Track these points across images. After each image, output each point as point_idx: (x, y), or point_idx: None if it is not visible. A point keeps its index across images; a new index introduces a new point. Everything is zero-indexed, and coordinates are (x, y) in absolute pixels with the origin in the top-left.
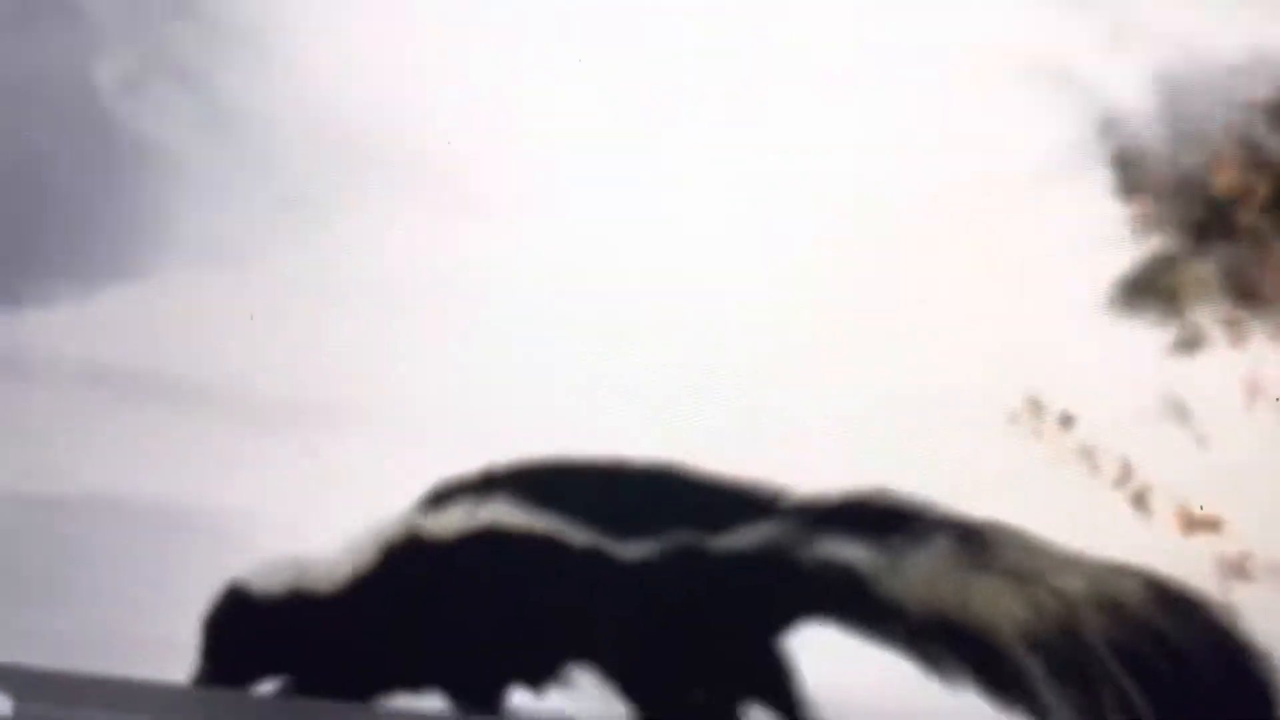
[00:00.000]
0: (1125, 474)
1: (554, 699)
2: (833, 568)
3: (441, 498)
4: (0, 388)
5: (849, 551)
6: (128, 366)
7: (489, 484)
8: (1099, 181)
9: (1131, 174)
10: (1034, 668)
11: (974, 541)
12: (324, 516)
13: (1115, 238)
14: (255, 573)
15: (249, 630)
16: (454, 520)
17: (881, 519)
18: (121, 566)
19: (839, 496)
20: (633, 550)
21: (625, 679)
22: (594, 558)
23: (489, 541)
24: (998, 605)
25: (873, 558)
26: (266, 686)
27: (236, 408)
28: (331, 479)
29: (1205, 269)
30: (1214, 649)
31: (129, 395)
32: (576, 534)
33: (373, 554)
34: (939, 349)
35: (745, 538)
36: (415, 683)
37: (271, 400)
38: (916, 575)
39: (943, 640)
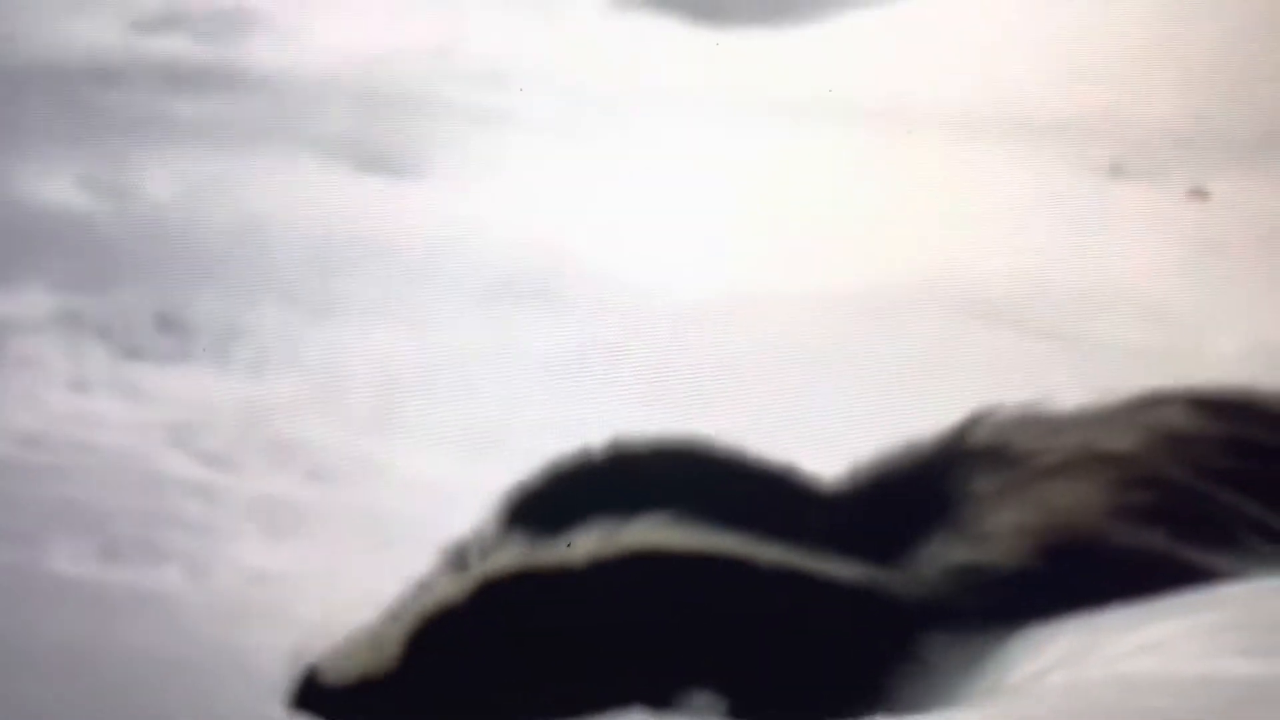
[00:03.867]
0: None
1: None
2: (944, 570)
3: (540, 515)
4: None
5: (946, 553)
6: None
7: (617, 496)
8: None
9: None
10: (1153, 540)
11: (996, 459)
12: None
13: None
14: (330, 657)
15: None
16: (587, 545)
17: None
18: None
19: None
20: (843, 570)
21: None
22: (793, 579)
23: (639, 566)
24: (1081, 502)
25: (962, 547)
26: None
27: None
28: None
29: None
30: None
31: None
32: (768, 552)
33: (459, 589)
34: None
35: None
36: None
37: None
38: (1003, 534)
39: (1055, 574)
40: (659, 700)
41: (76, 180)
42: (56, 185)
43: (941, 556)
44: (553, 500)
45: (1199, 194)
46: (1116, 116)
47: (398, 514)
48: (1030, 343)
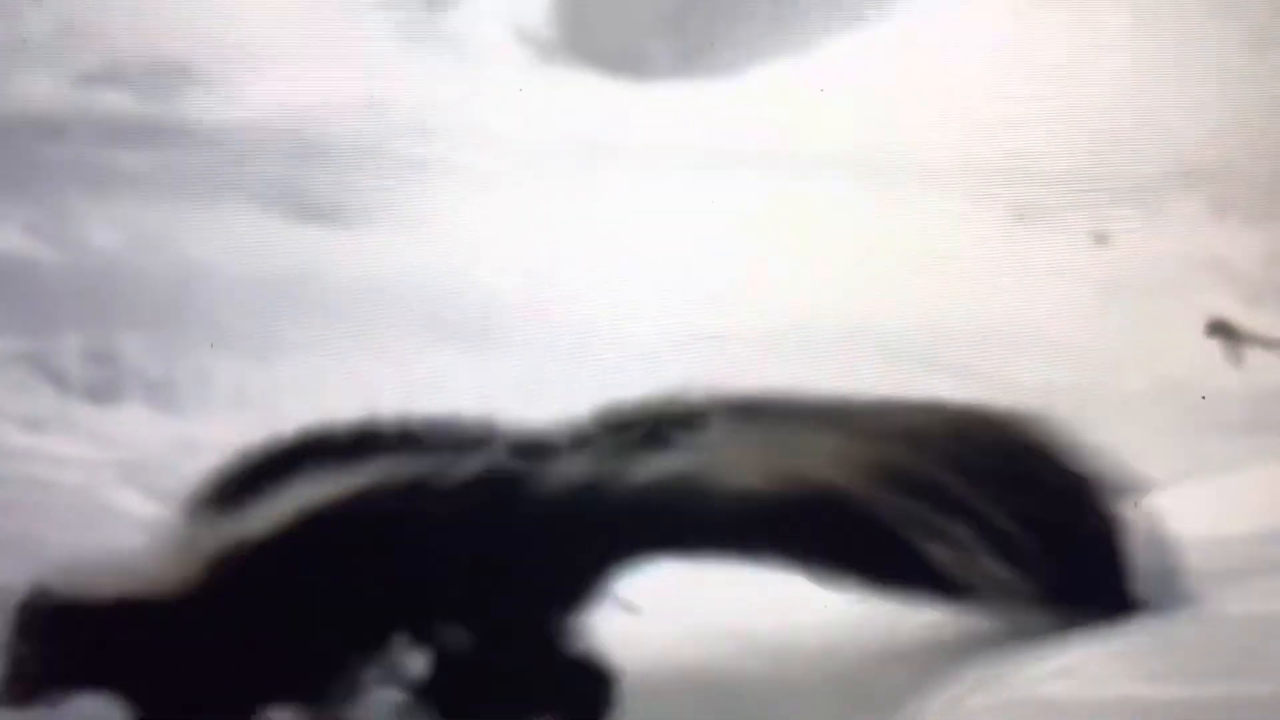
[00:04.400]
0: None
1: None
2: (653, 487)
3: (230, 494)
4: None
5: (663, 463)
6: None
7: (269, 465)
8: None
9: None
10: (891, 511)
11: (748, 410)
12: None
13: None
14: (63, 574)
15: (64, 638)
16: (268, 514)
17: (664, 423)
18: None
19: (609, 415)
20: (462, 468)
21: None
22: (420, 489)
23: (308, 525)
24: (825, 458)
25: (685, 459)
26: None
27: None
28: None
29: None
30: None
31: None
32: (398, 471)
33: (197, 566)
34: None
35: (562, 470)
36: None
37: None
38: (733, 459)
39: (801, 518)
40: (421, 635)
41: (23, 229)
42: (3, 234)
43: (657, 466)
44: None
45: (1100, 237)
46: (1019, 161)
47: None
48: (940, 380)
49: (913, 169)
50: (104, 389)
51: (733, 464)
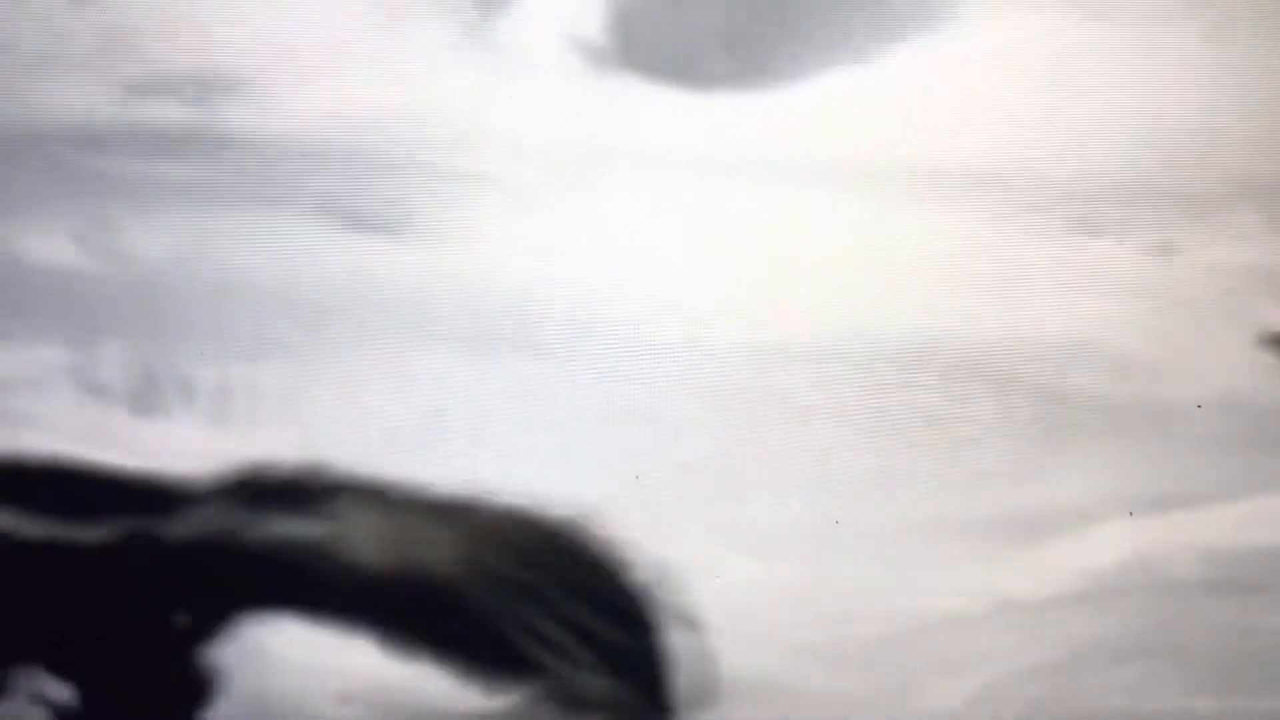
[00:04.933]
0: None
1: None
2: (289, 546)
3: None
4: None
5: (296, 526)
6: None
7: None
8: None
9: None
10: (489, 603)
11: (374, 493)
12: None
13: None
14: None
15: None
16: None
17: (307, 488)
18: None
19: (247, 472)
20: (91, 534)
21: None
22: (52, 548)
23: None
24: (442, 546)
25: (317, 527)
26: None
27: None
28: None
29: None
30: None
31: None
32: (33, 526)
33: None
34: None
35: (196, 522)
36: None
37: None
38: (360, 532)
39: (403, 600)
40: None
41: (70, 240)
42: (51, 246)
43: (278, 529)
44: None
45: (1162, 249)
46: (1080, 173)
47: None
48: (989, 392)
49: (971, 180)
50: (148, 401)
51: (357, 534)
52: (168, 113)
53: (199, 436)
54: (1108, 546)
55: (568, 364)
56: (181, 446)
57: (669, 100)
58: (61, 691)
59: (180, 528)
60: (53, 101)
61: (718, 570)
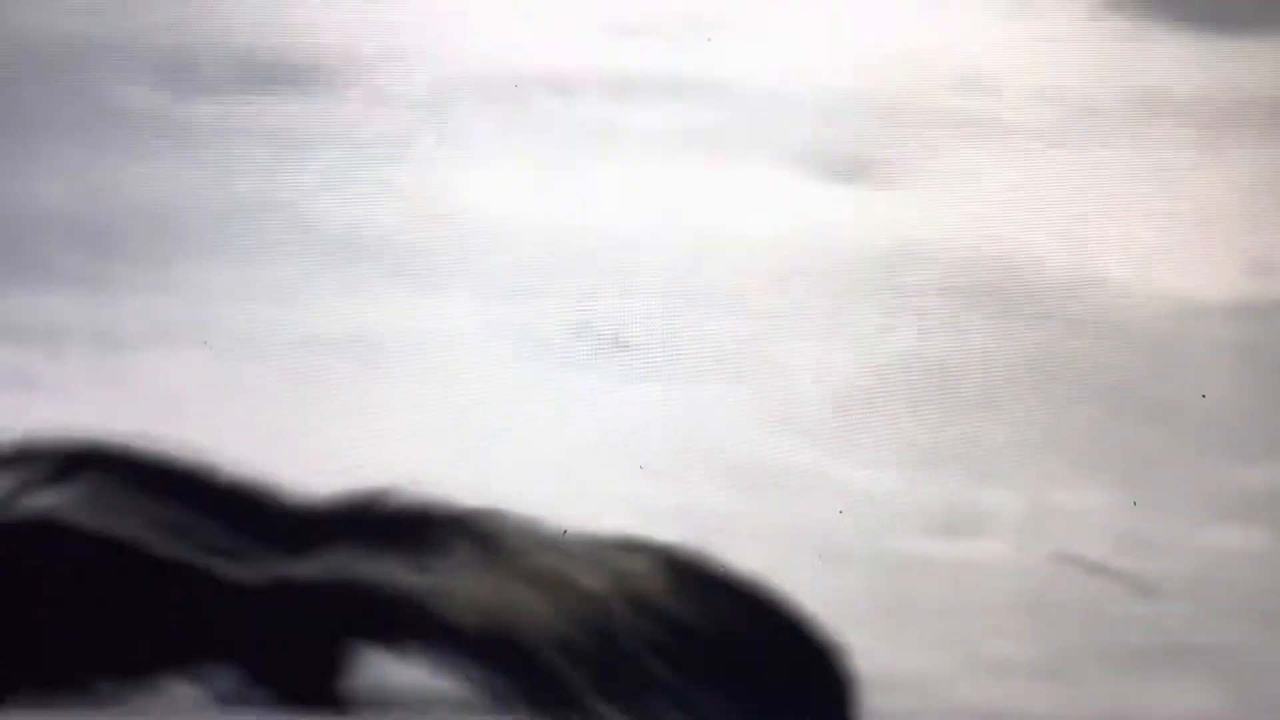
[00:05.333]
0: None
1: None
2: (387, 587)
3: None
4: None
5: (399, 569)
6: None
7: (47, 464)
8: None
9: None
10: (579, 682)
11: (489, 540)
12: None
13: None
14: None
15: None
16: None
17: (396, 524)
18: None
19: (349, 500)
20: (236, 571)
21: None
22: (188, 574)
23: (40, 535)
24: (533, 615)
25: (415, 577)
26: None
27: None
28: None
29: None
30: (742, 620)
31: None
32: (169, 546)
33: None
34: None
35: (319, 562)
36: None
37: None
38: (459, 590)
39: (498, 660)
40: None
41: (523, 190)
42: (504, 194)
43: (383, 570)
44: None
45: None
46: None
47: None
48: None
49: None
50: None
51: (457, 590)
52: (642, 57)
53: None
54: None
55: (1067, 325)
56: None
57: (1191, 45)
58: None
59: (310, 568)
60: (524, 46)
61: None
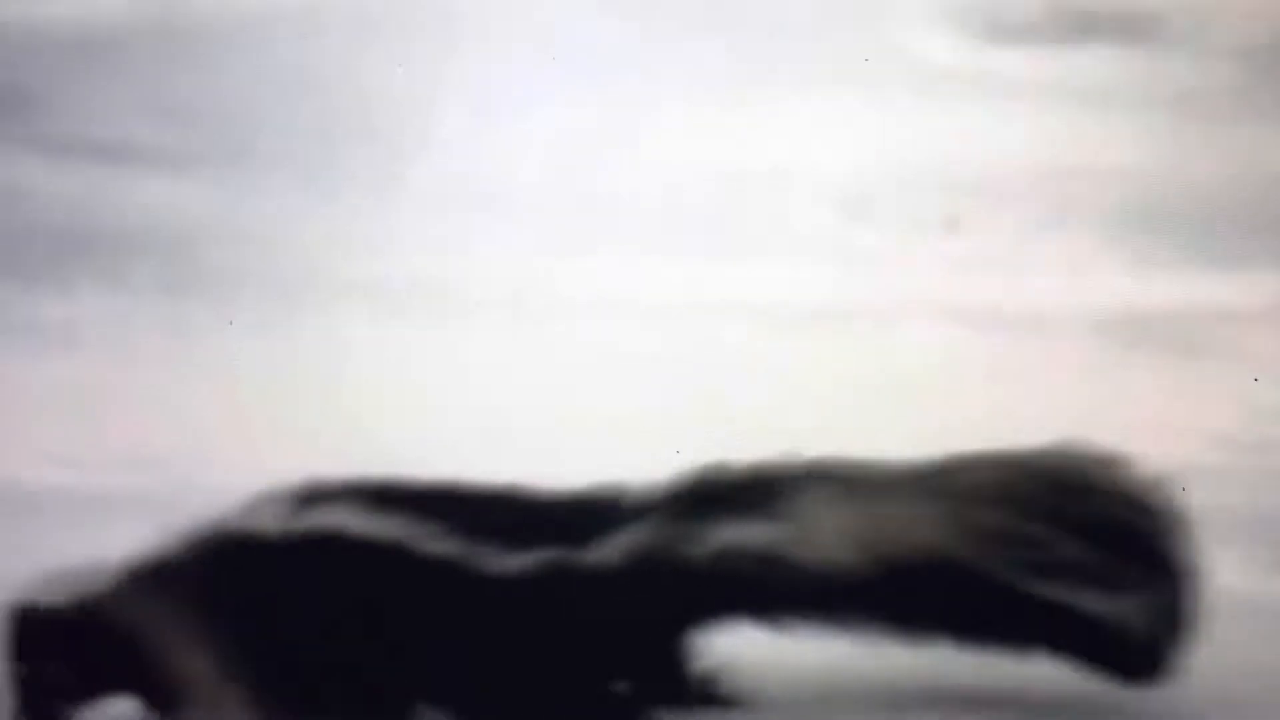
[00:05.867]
0: None
1: None
2: (732, 554)
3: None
4: None
5: (745, 532)
6: None
7: (319, 494)
8: None
9: None
10: (1009, 569)
11: (844, 479)
12: None
13: None
14: (40, 587)
15: (52, 651)
16: (278, 520)
17: (747, 490)
18: None
19: (693, 480)
20: (502, 564)
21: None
22: (452, 570)
23: (323, 545)
24: (921, 524)
25: (771, 530)
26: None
27: None
28: None
29: None
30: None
31: None
32: (432, 543)
33: (184, 548)
34: None
35: (616, 547)
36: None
37: None
38: (825, 532)
39: (885, 590)
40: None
41: None
42: None
43: (724, 538)
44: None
45: None
46: None
47: None
48: None
49: None
50: None
51: (822, 534)
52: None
53: None
54: None
55: None
56: None
57: None
58: None
59: (608, 552)
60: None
61: None
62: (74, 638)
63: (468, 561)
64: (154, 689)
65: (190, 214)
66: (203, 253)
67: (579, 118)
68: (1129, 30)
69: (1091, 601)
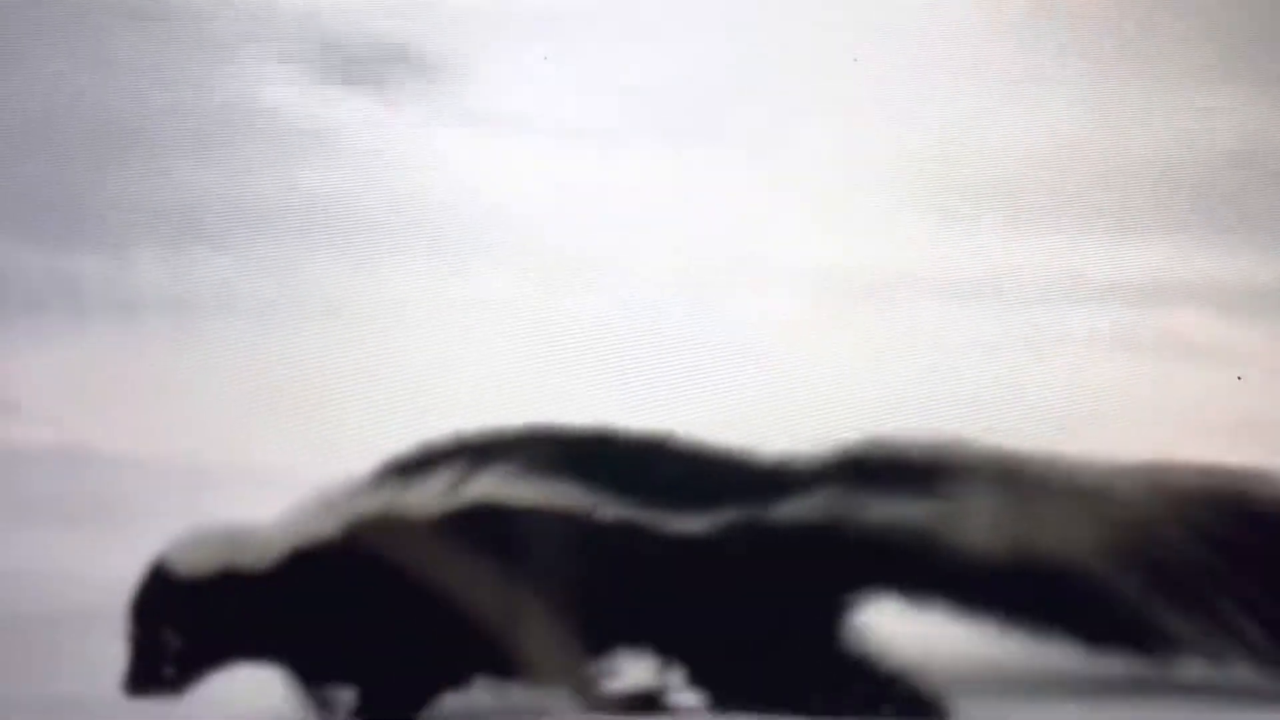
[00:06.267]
0: None
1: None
2: (897, 529)
3: (409, 469)
4: None
5: (909, 508)
6: None
7: (474, 454)
8: None
9: None
10: (1129, 586)
11: (1014, 471)
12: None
13: None
14: (181, 549)
15: (181, 616)
16: (436, 495)
17: (910, 467)
18: None
19: (859, 451)
20: (684, 524)
21: (693, 661)
22: (632, 533)
23: (484, 518)
24: (1070, 531)
25: (932, 508)
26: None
27: None
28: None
29: None
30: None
31: None
32: (606, 507)
33: (332, 528)
34: None
35: (805, 507)
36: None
37: None
38: (978, 521)
39: (1023, 586)
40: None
41: None
42: None
43: (890, 511)
44: (423, 460)
45: None
46: None
47: None
48: None
49: None
50: None
51: (977, 522)
52: None
53: None
54: None
55: None
56: None
57: None
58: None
59: (787, 514)
60: None
61: None
62: (216, 603)
63: (644, 523)
64: (308, 660)
65: None
66: None
67: None
68: None
69: (1213, 647)
